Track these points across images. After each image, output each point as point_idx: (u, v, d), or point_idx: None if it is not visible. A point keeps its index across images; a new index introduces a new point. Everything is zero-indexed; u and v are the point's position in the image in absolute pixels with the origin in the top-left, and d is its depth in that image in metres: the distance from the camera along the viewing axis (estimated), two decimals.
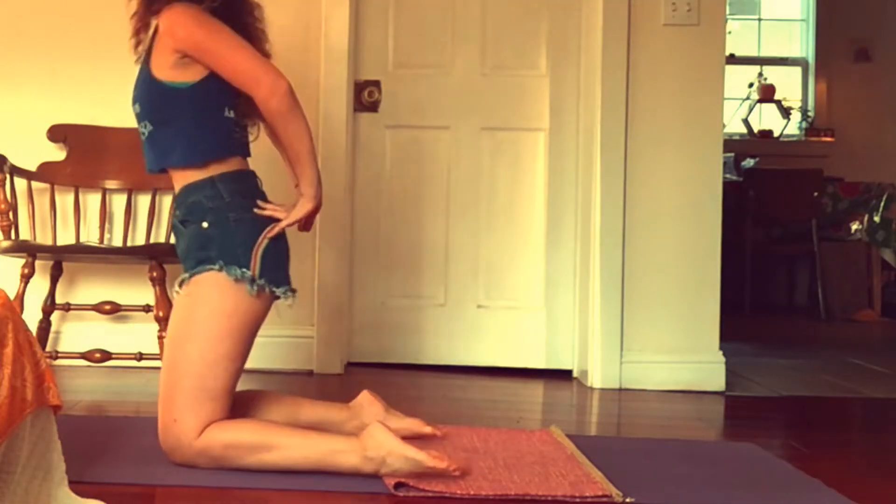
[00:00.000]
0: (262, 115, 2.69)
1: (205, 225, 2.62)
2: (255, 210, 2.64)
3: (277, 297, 2.66)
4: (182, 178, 2.69)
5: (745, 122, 8.29)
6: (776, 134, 8.26)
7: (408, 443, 2.54)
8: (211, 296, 2.60)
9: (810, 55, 8.30)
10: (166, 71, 2.64)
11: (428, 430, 2.91)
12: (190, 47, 2.62)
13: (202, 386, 2.55)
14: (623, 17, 4.10)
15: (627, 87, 4.10)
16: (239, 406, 2.81)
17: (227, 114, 2.69)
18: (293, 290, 2.70)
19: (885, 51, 8.12)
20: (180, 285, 2.68)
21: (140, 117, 2.72)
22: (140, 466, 2.56)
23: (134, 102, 2.74)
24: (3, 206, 3.85)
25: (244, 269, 2.58)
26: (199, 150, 2.66)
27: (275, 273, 2.64)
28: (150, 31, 2.74)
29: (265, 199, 2.71)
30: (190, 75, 2.64)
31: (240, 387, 3.03)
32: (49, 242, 3.98)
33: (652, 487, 2.57)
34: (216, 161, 2.66)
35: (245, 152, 2.76)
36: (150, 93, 2.69)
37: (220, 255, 2.59)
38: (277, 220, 2.67)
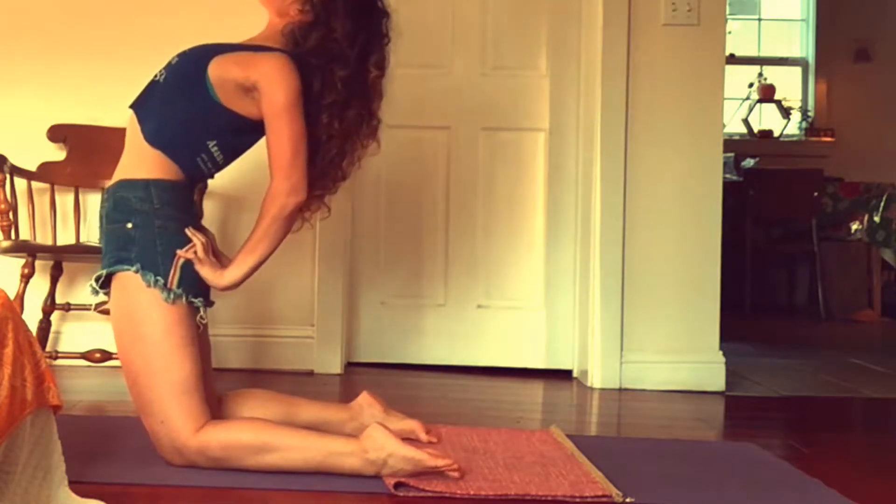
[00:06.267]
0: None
1: (129, 226, 2.59)
2: (186, 231, 2.61)
3: (198, 308, 2.62)
4: (130, 160, 2.67)
5: (745, 122, 8.29)
6: (776, 134, 8.27)
7: (408, 443, 2.54)
8: (141, 296, 2.56)
9: (810, 55, 8.30)
10: (219, 74, 2.62)
11: (425, 438, 2.90)
12: (268, 96, 2.60)
13: (173, 381, 2.54)
14: (623, 17, 4.10)
15: (627, 87, 4.10)
16: (235, 404, 2.82)
17: (211, 145, 2.67)
18: (210, 303, 2.67)
19: (885, 51, 8.13)
20: (97, 281, 2.65)
21: (168, 68, 2.70)
22: (140, 466, 2.56)
23: (179, 55, 2.71)
24: (3, 206, 3.85)
25: (158, 277, 2.55)
26: (167, 139, 2.63)
27: (195, 284, 2.60)
28: (253, 42, 2.72)
29: (194, 215, 2.71)
30: (225, 97, 2.62)
31: (239, 387, 3.04)
32: (49, 242, 3.97)
33: (652, 487, 2.56)
34: (167, 157, 2.63)
35: (196, 177, 2.73)
36: (190, 69, 2.66)
37: (138, 258, 2.57)
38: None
